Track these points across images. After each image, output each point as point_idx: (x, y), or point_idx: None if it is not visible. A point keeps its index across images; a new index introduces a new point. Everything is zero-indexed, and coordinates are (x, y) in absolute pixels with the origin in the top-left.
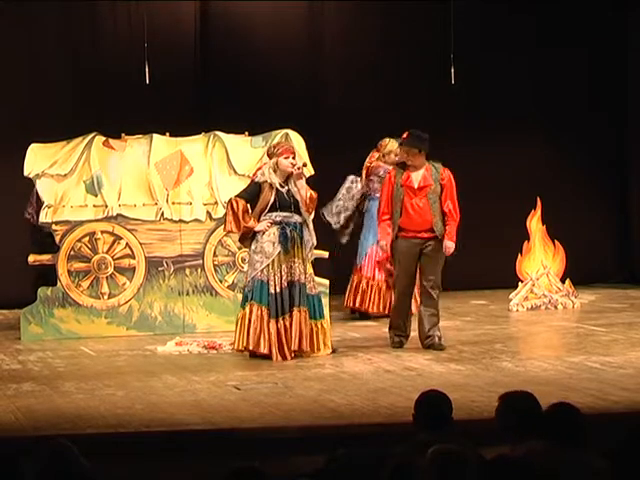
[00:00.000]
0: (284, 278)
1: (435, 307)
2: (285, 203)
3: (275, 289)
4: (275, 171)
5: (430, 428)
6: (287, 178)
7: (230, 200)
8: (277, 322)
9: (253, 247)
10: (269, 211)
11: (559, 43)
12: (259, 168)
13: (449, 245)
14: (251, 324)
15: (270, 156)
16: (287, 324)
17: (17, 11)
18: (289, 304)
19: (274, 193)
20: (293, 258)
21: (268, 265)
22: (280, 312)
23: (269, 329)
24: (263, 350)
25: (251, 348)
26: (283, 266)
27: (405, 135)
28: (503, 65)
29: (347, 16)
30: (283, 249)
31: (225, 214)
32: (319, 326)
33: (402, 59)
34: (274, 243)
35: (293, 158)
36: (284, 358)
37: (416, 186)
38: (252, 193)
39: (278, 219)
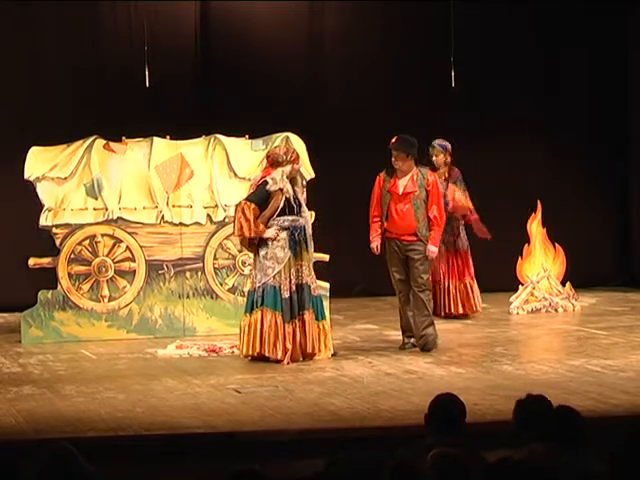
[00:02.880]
0: (293, 282)
1: (426, 308)
2: (292, 207)
3: (286, 294)
4: (288, 178)
5: (442, 431)
6: (291, 181)
7: (240, 204)
8: (290, 326)
9: (263, 253)
10: (277, 216)
11: (559, 43)
12: (266, 173)
13: (432, 250)
14: (264, 330)
15: (280, 163)
16: (298, 327)
17: (17, 13)
18: (298, 307)
19: (283, 199)
20: (301, 261)
21: (280, 270)
22: (292, 315)
23: (285, 334)
24: (278, 356)
25: (266, 354)
26: (292, 270)
27: (394, 140)
28: (503, 66)
29: (347, 16)
30: (293, 253)
31: (234, 217)
32: (321, 327)
33: (402, 59)
34: (284, 248)
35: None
36: (296, 360)
37: (400, 192)
38: (262, 198)
39: (286, 224)
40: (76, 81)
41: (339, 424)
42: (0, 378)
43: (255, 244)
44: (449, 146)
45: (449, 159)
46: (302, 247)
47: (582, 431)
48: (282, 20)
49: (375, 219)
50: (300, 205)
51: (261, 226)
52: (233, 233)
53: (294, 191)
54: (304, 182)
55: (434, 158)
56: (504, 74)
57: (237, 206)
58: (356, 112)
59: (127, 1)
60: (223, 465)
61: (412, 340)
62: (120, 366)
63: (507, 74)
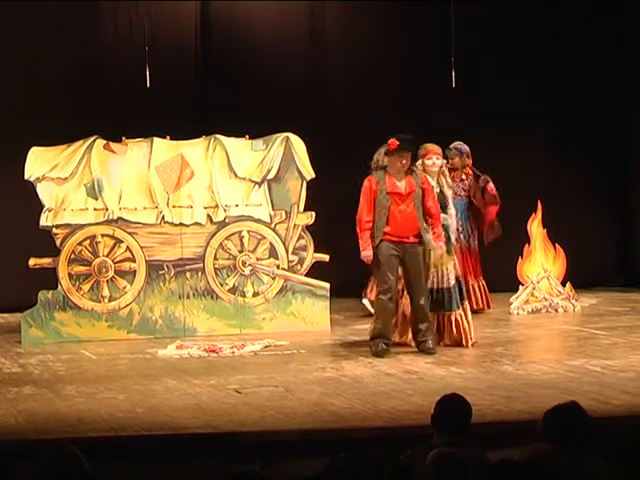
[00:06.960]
0: (436, 281)
1: (424, 312)
2: (442, 205)
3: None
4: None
5: (448, 432)
6: (437, 179)
7: None
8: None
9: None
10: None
11: (559, 42)
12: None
13: (439, 245)
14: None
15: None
16: (445, 319)
17: (17, 12)
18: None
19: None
20: (451, 256)
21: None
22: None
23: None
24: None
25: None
26: (439, 270)
27: (398, 142)
28: (503, 66)
29: (348, 17)
30: (447, 251)
31: None
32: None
33: (403, 59)
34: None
35: (437, 158)
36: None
37: (404, 192)
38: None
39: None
40: (76, 81)
41: (339, 424)
42: (0, 378)
43: None
44: (465, 148)
45: (467, 161)
46: (451, 245)
47: (588, 431)
48: (282, 20)
49: (367, 225)
50: (447, 201)
51: None
52: None
53: (440, 188)
54: (448, 179)
55: (450, 161)
56: (504, 74)
57: None
58: (356, 112)
59: (128, 1)
60: (223, 465)
61: (387, 347)
62: (120, 366)
63: (507, 74)
